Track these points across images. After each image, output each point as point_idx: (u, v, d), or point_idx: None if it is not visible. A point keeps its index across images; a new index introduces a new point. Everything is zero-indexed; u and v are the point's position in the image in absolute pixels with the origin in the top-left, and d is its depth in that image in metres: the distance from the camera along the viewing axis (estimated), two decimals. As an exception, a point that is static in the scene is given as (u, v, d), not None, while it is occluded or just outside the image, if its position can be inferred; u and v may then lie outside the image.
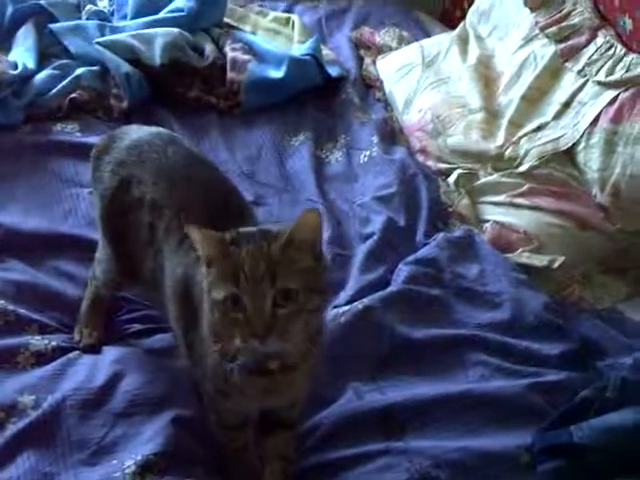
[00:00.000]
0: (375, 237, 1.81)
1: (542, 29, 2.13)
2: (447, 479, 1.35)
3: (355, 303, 1.63)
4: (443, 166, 2.04)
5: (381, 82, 2.35)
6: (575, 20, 2.09)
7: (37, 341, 1.55)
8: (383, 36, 2.54)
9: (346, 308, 1.61)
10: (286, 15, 2.64)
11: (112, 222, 1.49)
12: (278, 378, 1.22)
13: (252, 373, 1.21)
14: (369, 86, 2.36)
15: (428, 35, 2.56)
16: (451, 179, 1.99)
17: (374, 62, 2.42)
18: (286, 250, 1.14)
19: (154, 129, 1.57)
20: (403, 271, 1.70)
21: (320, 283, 1.18)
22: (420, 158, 2.08)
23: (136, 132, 1.54)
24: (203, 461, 1.37)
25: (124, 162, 1.47)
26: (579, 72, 2.00)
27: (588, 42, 2.04)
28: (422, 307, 1.62)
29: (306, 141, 2.15)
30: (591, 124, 1.91)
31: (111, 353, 1.52)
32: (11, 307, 1.60)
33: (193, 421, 1.40)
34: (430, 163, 2.06)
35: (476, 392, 1.47)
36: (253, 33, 2.52)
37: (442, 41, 2.39)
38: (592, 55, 2.00)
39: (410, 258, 1.74)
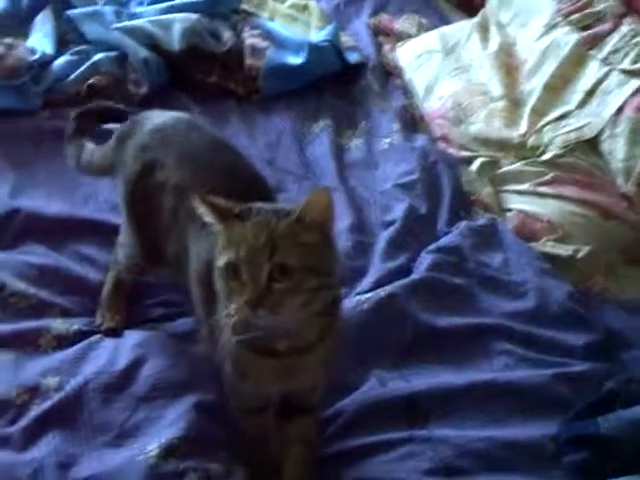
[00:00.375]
0: (396, 225, 1.80)
1: (565, 16, 2.11)
2: (471, 469, 1.34)
3: (377, 290, 1.62)
4: (465, 154, 2.03)
5: (400, 69, 2.33)
6: (599, 7, 2.07)
7: (59, 324, 1.55)
8: (402, 23, 2.51)
9: (368, 295, 1.61)
10: (304, 1, 2.61)
11: (136, 206, 1.48)
12: (290, 361, 1.22)
13: (263, 354, 1.21)
14: (388, 73, 2.34)
15: (447, 22, 2.53)
16: (473, 167, 1.97)
17: (393, 49, 2.40)
18: (292, 227, 1.14)
19: (177, 113, 1.56)
20: (426, 259, 1.68)
21: (325, 265, 1.17)
22: (441, 146, 2.07)
23: (159, 116, 1.54)
24: (225, 446, 1.37)
25: (147, 146, 1.47)
26: (603, 60, 1.98)
27: (612, 30, 2.02)
28: (445, 295, 1.61)
29: (326, 128, 2.14)
30: (616, 113, 1.89)
31: (133, 337, 1.52)
32: (32, 290, 1.60)
33: (215, 406, 1.40)
34: (452, 151, 2.04)
35: (501, 381, 1.46)
36: (271, 19, 2.50)
37: (462, 28, 2.37)
38: (617, 43, 1.98)
39: (432, 246, 1.73)
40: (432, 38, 2.36)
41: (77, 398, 1.40)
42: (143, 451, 1.32)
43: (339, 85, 2.28)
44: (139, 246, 1.51)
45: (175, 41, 2.24)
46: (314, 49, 2.24)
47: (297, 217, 1.14)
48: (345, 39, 2.39)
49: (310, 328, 1.20)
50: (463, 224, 1.79)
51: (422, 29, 2.48)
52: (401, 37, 2.45)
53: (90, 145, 1.68)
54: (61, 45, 2.30)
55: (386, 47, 2.41)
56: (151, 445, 1.33)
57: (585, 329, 1.58)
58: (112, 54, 2.25)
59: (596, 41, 2.03)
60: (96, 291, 1.63)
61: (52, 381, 1.44)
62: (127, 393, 1.41)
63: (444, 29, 2.40)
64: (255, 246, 1.13)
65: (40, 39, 2.30)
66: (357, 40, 2.45)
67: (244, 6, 2.52)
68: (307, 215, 1.14)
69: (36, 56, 2.20)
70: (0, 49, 2.20)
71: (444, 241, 1.74)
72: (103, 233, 1.74)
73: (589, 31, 2.05)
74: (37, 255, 1.69)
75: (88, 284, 1.65)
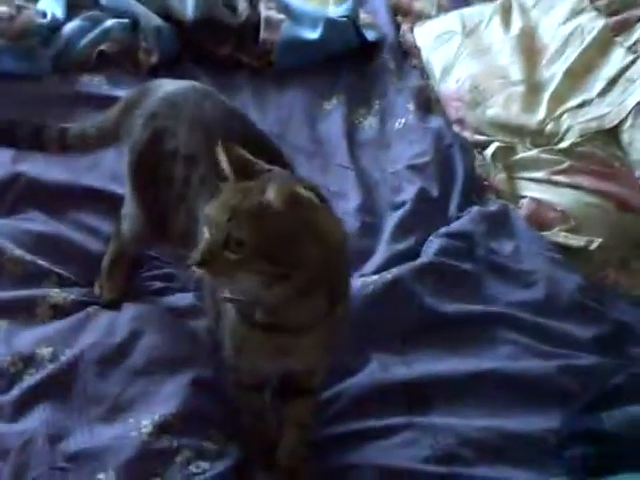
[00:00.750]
0: (406, 207, 1.76)
1: (592, 1, 2.05)
2: (471, 458, 1.31)
3: (384, 273, 1.58)
4: (480, 138, 1.97)
5: (418, 49, 2.28)
6: (628, -6, 2.02)
7: (56, 294, 1.52)
8: (422, 2, 2.46)
9: (375, 277, 1.57)
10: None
11: (143, 176, 1.44)
12: (285, 340, 1.19)
13: (258, 329, 1.18)
14: (406, 53, 2.29)
15: (468, 4, 2.48)
16: (488, 152, 1.92)
17: (412, 29, 2.35)
18: (260, 206, 1.09)
19: (189, 82, 1.51)
20: (434, 243, 1.65)
21: (290, 259, 1.11)
22: (457, 128, 2.01)
23: (170, 84, 1.49)
24: (220, 424, 1.34)
25: (157, 114, 1.42)
26: (629, 48, 1.93)
27: (640, 17, 1.97)
28: (453, 281, 1.57)
29: (339, 105, 2.09)
30: (638, 103, 1.84)
31: (131, 310, 1.49)
32: (30, 257, 1.57)
33: (212, 383, 1.37)
34: (467, 134, 2.00)
35: (505, 371, 1.42)
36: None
37: (484, 10, 2.31)
38: (645, 31, 1.93)
39: (442, 230, 1.69)
40: (452, 19, 2.31)
41: (71, 369, 1.37)
42: (137, 426, 1.29)
43: (355, 62, 2.22)
44: (144, 218, 1.47)
45: (189, 10, 2.19)
46: (331, 24, 2.19)
47: (263, 201, 1.09)
48: (363, 16, 2.33)
49: (295, 310, 1.16)
50: (475, 209, 1.75)
51: (442, 9, 2.42)
52: (420, 17, 2.40)
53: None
54: (72, 9, 2.26)
55: (404, 26, 2.35)
56: (145, 420, 1.30)
57: (594, 322, 1.54)
58: (124, 21, 2.20)
59: (623, 28, 1.97)
60: (96, 261, 1.59)
61: (46, 351, 1.41)
62: (123, 366, 1.38)
63: (464, 10, 2.34)
64: (223, 209, 1.10)
65: (50, 2, 2.26)
66: (375, 17, 2.40)
67: (260, -25, 2.47)
68: (275, 203, 1.09)
69: (47, 19, 2.17)
70: (9, 10, 2.16)
71: (454, 226, 1.70)
72: (106, 202, 1.70)
73: (616, 17, 1.99)
74: (37, 222, 1.66)
75: (88, 254, 1.62)
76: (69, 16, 2.22)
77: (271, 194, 1.09)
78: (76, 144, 1.60)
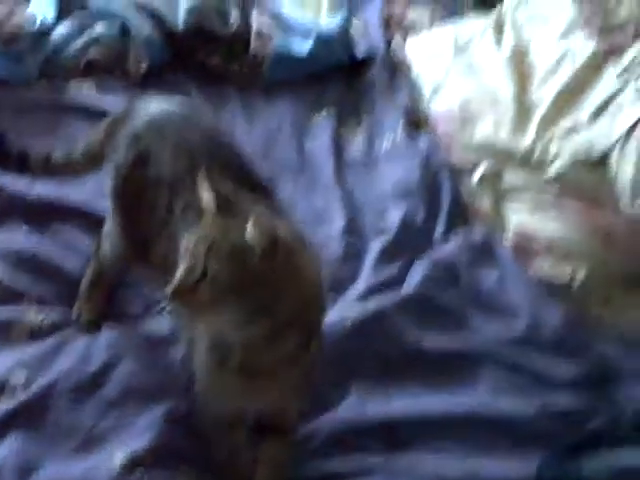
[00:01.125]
0: (391, 231, 1.74)
1: (584, 22, 2.03)
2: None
3: (365, 303, 1.56)
4: (468, 161, 1.95)
5: (409, 65, 2.25)
6: (621, 16, 1.99)
7: (32, 315, 1.50)
8: (415, 14, 2.43)
9: (356, 307, 1.55)
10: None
11: (125, 199, 1.42)
12: (252, 379, 1.17)
13: (226, 368, 1.17)
14: (396, 67, 2.26)
15: (462, 16, 2.45)
16: (475, 176, 1.90)
17: (403, 43, 2.32)
18: (239, 244, 1.08)
19: (175, 101, 1.49)
20: (418, 272, 1.63)
21: (264, 302, 1.10)
22: (444, 150, 1.99)
23: (156, 104, 1.46)
24: (193, 459, 1.32)
25: (141, 137, 1.40)
26: (620, 74, 1.90)
27: (633, 41, 1.94)
28: (435, 312, 1.55)
29: (328, 119, 2.07)
30: (628, 131, 1.82)
31: (107, 336, 1.47)
32: (8, 276, 1.55)
33: (185, 417, 1.35)
34: (455, 156, 1.97)
35: (485, 411, 1.41)
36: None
37: (476, 25, 2.28)
38: (636, 56, 1.90)
39: (426, 258, 1.67)
40: (444, 34, 2.28)
41: (45, 398, 1.35)
42: (109, 459, 1.28)
43: (345, 76, 2.20)
44: (125, 239, 1.45)
45: (180, 19, 2.16)
46: (322, 39, 2.16)
47: (243, 242, 1.08)
48: (355, 27, 2.31)
49: (268, 351, 1.15)
50: (459, 237, 1.73)
51: (435, 21, 2.40)
52: (412, 28, 2.37)
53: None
54: (62, 12, 2.24)
55: (396, 39, 2.33)
56: (118, 454, 1.28)
57: (577, 358, 1.52)
58: (114, 27, 2.17)
59: (615, 52, 1.95)
60: (75, 281, 1.57)
61: (20, 376, 1.39)
62: (97, 396, 1.36)
63: (457, 25, 2.32)
64: (202, 242, 1.09)
65: (41, 4, 2.23)
66: (367, 28, 2.37)
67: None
68: (255, 245, 1.07)
69: (36, 25, 2.14)
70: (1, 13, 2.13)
71: (438, 254, 1.68)
72: (88, 220, 1.68)
73: (609, 40, 1.97)
74: (16, 238, 1.63)
75: (68, 273, 1.59)
76: (59, 19, 2.20)
77: (252, 236, 1.08)
78: (63, 170, 1.58)
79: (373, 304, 1.56)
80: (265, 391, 1.21)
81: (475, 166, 1.93)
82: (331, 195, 1.87)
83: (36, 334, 1.47)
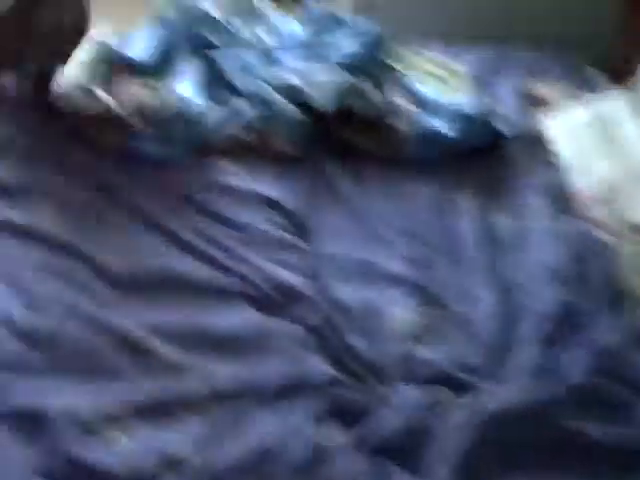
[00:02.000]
0: (546, 316, 1.72)
1: None
2: None
3: (526, 390, 1.54)
4: (620, 241, 1.93)
5: (550, 143, 2.25)
6: None
7: None
8: (553, 91, 2.43)
9: (514, 394, 1.53)
10: (442, 59, 2.55)
11: None
12: None
13: None
14: (537, 145, 2.26)
15: (599, 92, 2.44)
16: (629, 256, 1.87)
17: (543, 120, 2.33)
18: None
19: None
20: (580, 360, 1.59)
21: None
22: (594, 230, 1.97)
23: None
24: None
25: None
26: None
27: None
28: (602, 406, 1.51)
29: (471, 200, 2.08)
30: None
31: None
32: None
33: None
34: (606, 237, 1.95)
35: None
36: (407, 74, 2.45)
37: (617, 101, 2.27)
38: None
39: (587, 345, 1.63)
40: (585, 111, 2.28)
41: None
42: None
43: (485, 156, 2.22)
44: None
45: (329, 101, 2.22)
46: (469, 121, 2.20)
47: None
48: (494, 107, 2.33)
49: None
50: (619, 321, 1.69)
51: (573, 99, 2.39)
52: (551, 106, 2.38)
53: None
54: (210, 93, 2.33)
55: (536, 117, 2.34)
56: None
57: None
58: (262, 109, 2.25)
59: None
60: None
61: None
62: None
63: (598, 102, 2.31)
64: None
65: (189, 87, 2.34)
66: (504, 106, 2.39)
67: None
68: None
69: (186, 105, 2.24)
70: (148, 93, 2.24)
71: (600, 341, 1.64)
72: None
73: None
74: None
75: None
76: (208, 100, 2.30)
77: None
78: None
79: (534, 393, 1.53)
80: None
81: (627, 245, 1.90)
82: (480, 276, 1.87)
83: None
